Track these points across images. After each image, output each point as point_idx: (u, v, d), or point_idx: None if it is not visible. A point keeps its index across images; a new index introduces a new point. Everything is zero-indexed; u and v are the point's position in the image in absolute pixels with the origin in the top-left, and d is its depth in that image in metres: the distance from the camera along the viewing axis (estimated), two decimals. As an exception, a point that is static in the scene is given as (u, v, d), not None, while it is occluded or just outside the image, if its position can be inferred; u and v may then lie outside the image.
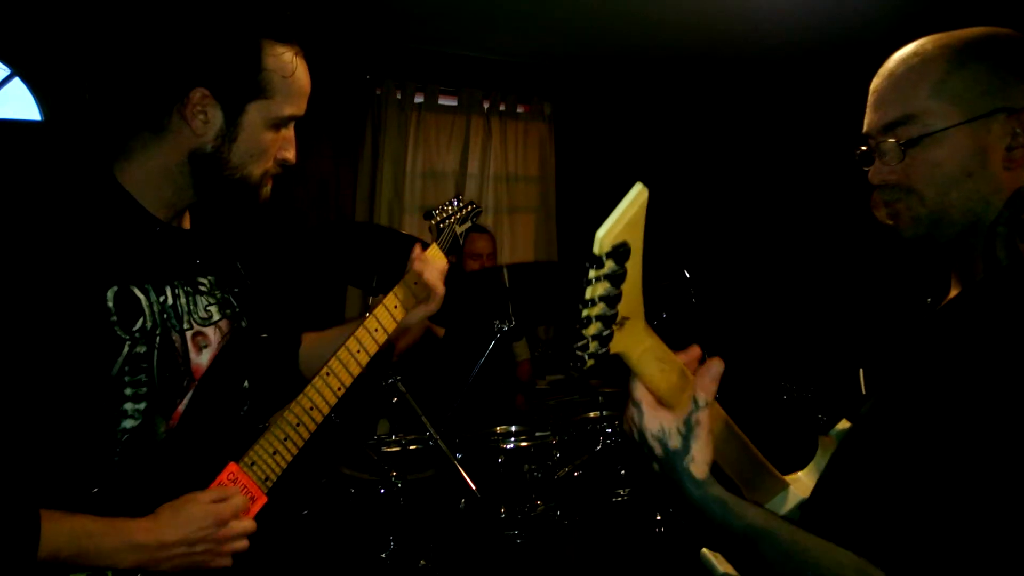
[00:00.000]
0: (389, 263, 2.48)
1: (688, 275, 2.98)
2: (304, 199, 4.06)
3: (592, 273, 0.73)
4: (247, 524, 1.15)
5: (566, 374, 3.52)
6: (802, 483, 1.05)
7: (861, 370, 1.07)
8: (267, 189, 1.21)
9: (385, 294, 1.44)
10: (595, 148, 4.74)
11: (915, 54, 0.92)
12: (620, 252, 0.72)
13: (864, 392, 1.06)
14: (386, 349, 1.47)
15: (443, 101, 4.39)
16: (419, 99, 4.29)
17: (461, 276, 3.15)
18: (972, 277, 0.91)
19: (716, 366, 0.84)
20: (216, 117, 1.11)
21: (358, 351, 1.37)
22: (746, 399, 3.18)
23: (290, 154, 1.20)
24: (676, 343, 0.88)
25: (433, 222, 1.59)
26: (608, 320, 0.76)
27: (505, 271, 2.69)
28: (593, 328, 0.76)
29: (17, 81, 3.43)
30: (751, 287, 4.67)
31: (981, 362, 0.77)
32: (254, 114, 1.12)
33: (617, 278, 0.74)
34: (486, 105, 4.43)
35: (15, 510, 0.95)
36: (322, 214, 4.14)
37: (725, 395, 0.94)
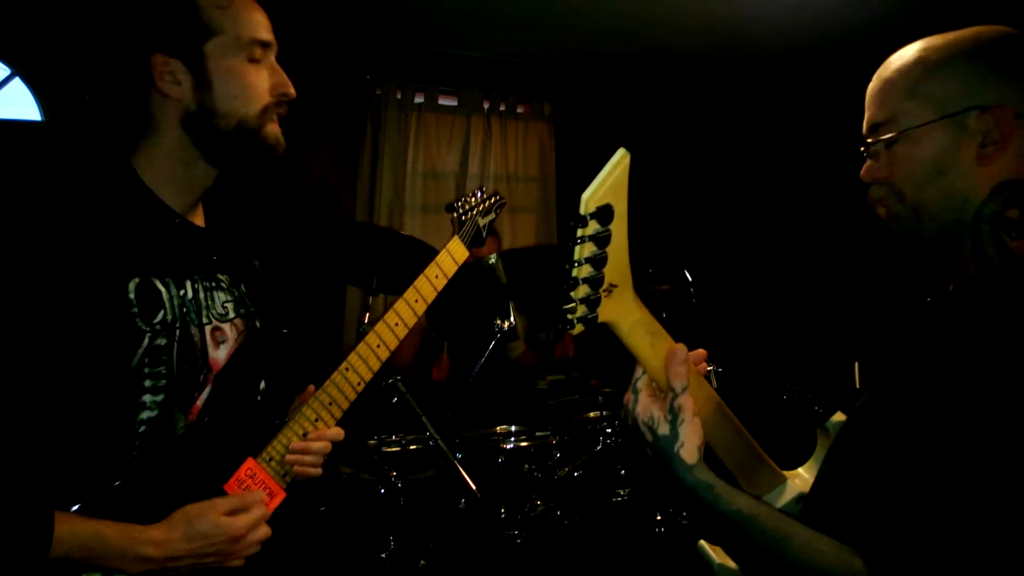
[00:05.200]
0: (389, 263, 2.48)
1: (688, 275, 2.98)
2: (304, 199, 4.05)
3: (579, 232, 0.75)
4: (261, 534, 1.13)
5: (566, 374, 3.52)
6: (802, 478, 1.06)
7: (856, 363, 1.09)
8: (271, 129, 1.17)
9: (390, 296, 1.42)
10: (595, 148, 4.70)
11: (900, 57, 0.96)
12: (604, 213, 0.75)
13: (859, 386, 1.08)
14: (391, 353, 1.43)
15: (443, 101, 4.39)
16: (419, 99, 4.28)
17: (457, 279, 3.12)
18: (964, 273, 0.93)
19: (680, 351, 0.87)
20: (183, 74, 1.11)
21: (378, 346, 1.33)
22: (747, 399, 3.18)
23: (286, 86, 1.17)
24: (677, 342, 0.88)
25: (455, 214, 1.53)
26: (595, 283, 0.77)
27: (499, 262, 2.65)
28: (581, 291, 0.77)
29: (17, 81, 3.43)
30: (751, 286, 4.67)
31: (972, 358, 0.78)
32: (214, 53, 1.12)
33: (602, 239, 0.76)
34: (486, 105, 4.42)
35: (29, 510, 0.95)
36: (322, 214, 4.14)
37: (726, 395, 0.95)
